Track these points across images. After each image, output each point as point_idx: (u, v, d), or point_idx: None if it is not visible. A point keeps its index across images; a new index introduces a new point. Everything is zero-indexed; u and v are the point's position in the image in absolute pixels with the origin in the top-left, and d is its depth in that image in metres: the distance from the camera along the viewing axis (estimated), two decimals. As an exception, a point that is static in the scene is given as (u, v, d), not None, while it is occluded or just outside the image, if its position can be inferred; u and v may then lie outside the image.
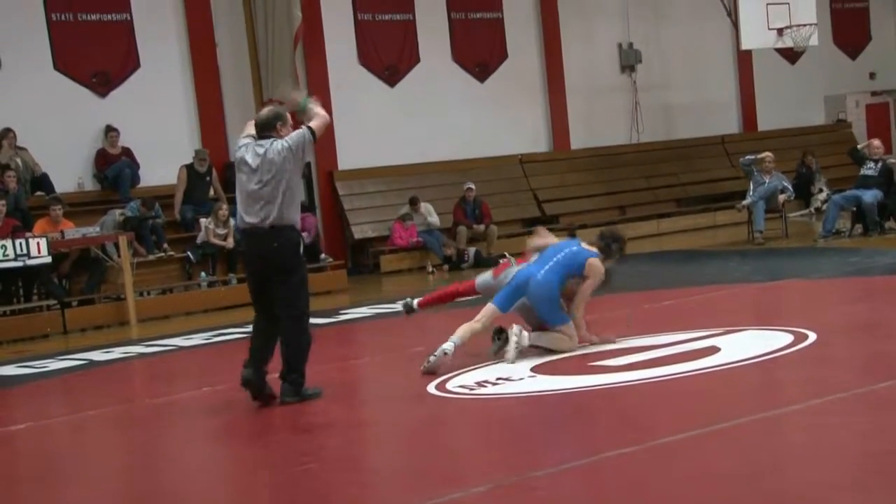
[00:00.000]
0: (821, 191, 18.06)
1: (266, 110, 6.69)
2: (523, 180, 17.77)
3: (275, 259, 6.38)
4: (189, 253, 13.55)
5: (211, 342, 10.01)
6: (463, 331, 7.19)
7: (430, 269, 15.40)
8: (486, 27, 17.94)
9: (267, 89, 15.44)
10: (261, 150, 6.40)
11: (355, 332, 10.36)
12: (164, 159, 14.34)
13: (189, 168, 14.24)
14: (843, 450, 4.57)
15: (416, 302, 8.30)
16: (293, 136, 6.41)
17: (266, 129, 6.49)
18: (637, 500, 4.14)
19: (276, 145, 6.38)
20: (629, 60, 19.35)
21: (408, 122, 16.96)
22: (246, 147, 6.51)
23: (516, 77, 18.15)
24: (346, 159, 16.46)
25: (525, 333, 7.18)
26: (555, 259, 7.36)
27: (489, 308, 7.29)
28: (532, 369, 6.81)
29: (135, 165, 14.35)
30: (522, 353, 7.09)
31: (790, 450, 4.73)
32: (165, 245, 13.53)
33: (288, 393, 6.44)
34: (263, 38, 15.37)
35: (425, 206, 15.89)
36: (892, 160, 14.27)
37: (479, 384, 6.53)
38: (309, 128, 6.47)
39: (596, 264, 7.34)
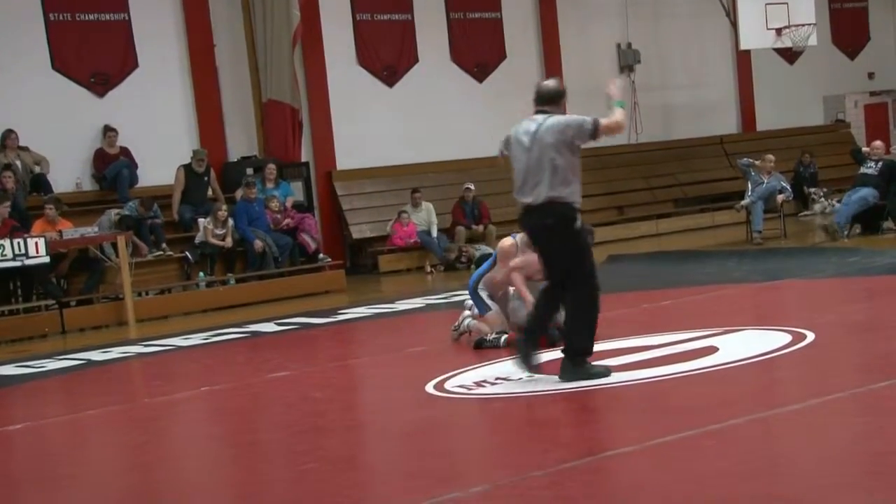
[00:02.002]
0: (820, 197, 18.11)
1: (551, 81, 6.42)
2: (522, 180, 17.75)
3: (547, 233, 6.26)
4: (187, 253, 13.54)
5: (209, 342, 10.01)
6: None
7: (429, 269, 15.39)
8: (485, 27, 17.95)
9: (265, 89, 15.46)
10: (533, 127, 6.21)
11: (354, 332, 10.36)
12: (162, 159, 14.35)
13: (187, 168, 14.24)
14: (842, 450, 4.57)
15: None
16: (574, 117, 6.18)
17: (546, 103, 6.27)
18: (635, 500, 4.13)
19: (551, 120, 6.18)
20: (628, 60, 19.35)
21: (406, 123, 16.97)
22: (518, 127, 6.34)
23: (515, 77, 18.13)
24: (345, 159, 16.46)
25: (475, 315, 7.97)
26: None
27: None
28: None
29: (133, 165, 14.34)
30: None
31: (788, 450, 4.73)
32: (164, 245, 13.52)
33: (565, 370, 6.20)
34: (262, 39, 15.38)
35: (426, 206, 15.89)
36: (893, 154, 14.38)
37: (478, 384, 6.53)
38: (596, 119, 6.16)
39: (501, 246, 7.93)
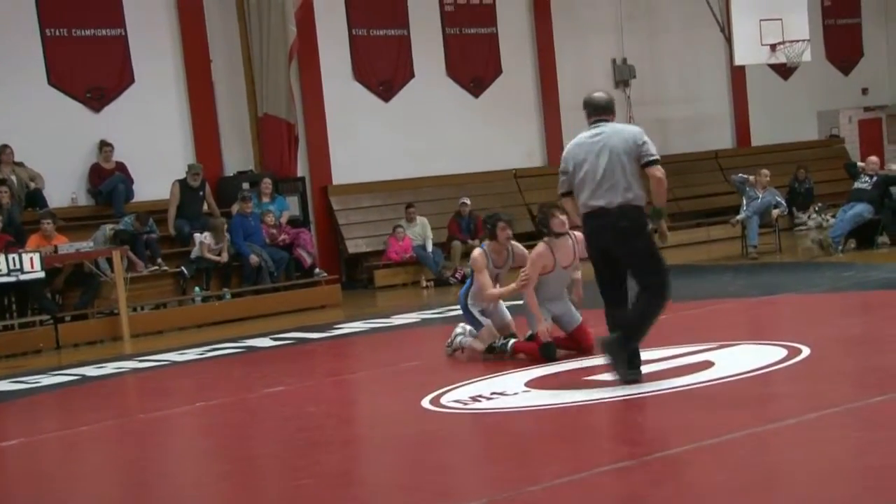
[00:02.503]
0: (814, 214, 18.17)
1: (601, 93, 6.69)
2: (518, 195, 17.80)
3: (622, 235, 6.37)
4: (183, 268, 13.53)
5: (205, 357, 9.99)
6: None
7: (424, 283, 15.40)
8: (481, 42, 18.01)
9: (262, 105, 15.49)
10: (600, 132, 6.45)
11: (350, 347, 10.35)
12: (158, 174, 14.34)
13: (182, 183, 14.23)
14: (838, 464, 4.57)
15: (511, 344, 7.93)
16: (648, 140, 6.50)
17: (604, 112, 6.56)
18: (632, 514, 4.13)
19: (620, 126, 6.53)
20: (623, 76, 19.42)
21: (402, 137, 17.00)
22: (579, 139, 6.53)
23: (511, 92, 18.21)
24: (341, 174, 16.48)
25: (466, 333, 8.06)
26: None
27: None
28: (526, 384, 6.81)
29: (129, 180, 14.35)
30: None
31: (784, 464, 4.73)
32: (160, 260, 13.51)
33: (611, 345, 6.31)
34: (258, 54, 15.41)
35: (421, 221, 15.92)
36: (891, 168, 14.46)
37: (474, 399, 6.52)
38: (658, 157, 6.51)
39: (472, 258, 7.98)
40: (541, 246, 7.67)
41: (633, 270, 6.46)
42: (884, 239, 14.09)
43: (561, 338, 7.71)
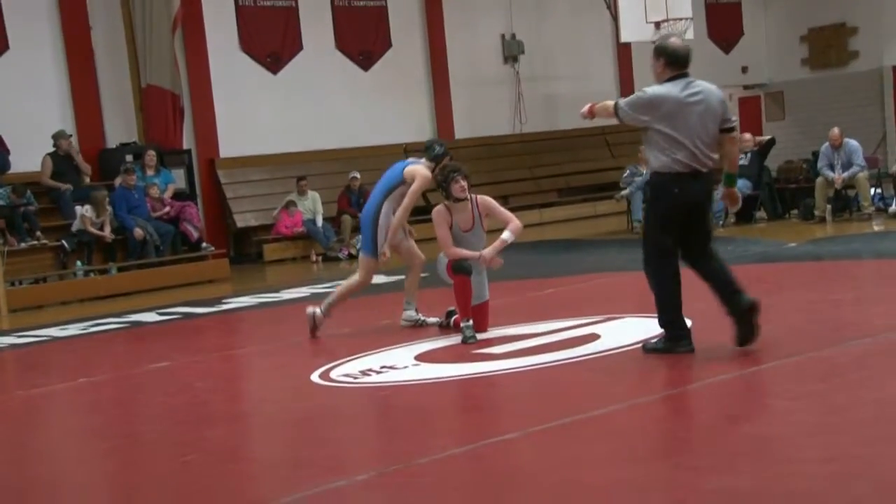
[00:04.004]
0: None
1: (680, 40, 6.18)
2: (408, 169, 17.79)
3: (708, 199, 6.24)
4: (63, 241, 13.14)
5: (88, 332, 9.74)
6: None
7: (314, 258, 15.30)
8: (370, 15, 17.89)
9: (144, 74, 15.10)
10: (697, 89, 6.02)
11: (238, 322, 10.23)
12: (35, 145, 13.85)
13: (53, 155, 13.76)
14: (713, 433, 4.73)
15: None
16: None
17: (687, 66, 6.08)
18: (517, 485, 4.20)
19: (714, 87, 6.10)
20: (512, 51, 19.56)
21: (291, 110, 16.80)
22: (675, 94, 5.99)
23: (400, 66, 18.15)
24: (228, 147, 16.21)
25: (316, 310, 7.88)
26: (379, 184, 7.89)
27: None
28: (416, 357, 6.85)
29: (4, 151, 13.82)
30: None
31: (665, 434, 4.87)
32: (38, 233, 13.09)
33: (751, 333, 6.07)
34: (141, 22, 15.00)
35: (312, 195, 15.80)
36: (763, 137, 15.04)
37: (364, 373, 6.53)
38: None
39: (415, 169, 7.74)
40: (440, 206, 7.65)
41: (703, 234, 6.25)
42: (761, 214, 14.59)
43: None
